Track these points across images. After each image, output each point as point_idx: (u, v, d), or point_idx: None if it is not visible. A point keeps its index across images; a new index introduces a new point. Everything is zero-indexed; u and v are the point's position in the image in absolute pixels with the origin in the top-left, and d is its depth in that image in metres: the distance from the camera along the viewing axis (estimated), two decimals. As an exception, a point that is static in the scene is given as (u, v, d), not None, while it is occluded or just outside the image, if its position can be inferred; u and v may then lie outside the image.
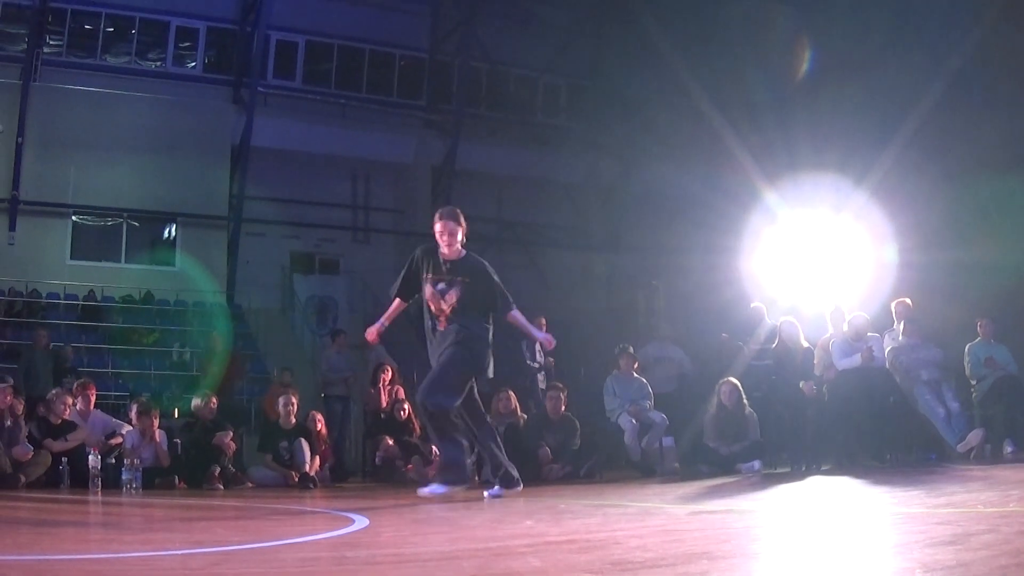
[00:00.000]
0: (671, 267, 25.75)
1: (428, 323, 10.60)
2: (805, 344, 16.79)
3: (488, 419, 11.10)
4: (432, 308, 10.46)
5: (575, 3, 32.09)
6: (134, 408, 16.04)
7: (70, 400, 15.33)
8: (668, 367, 19.27)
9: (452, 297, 10.35)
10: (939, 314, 18.60)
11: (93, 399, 16.06)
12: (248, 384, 22.03)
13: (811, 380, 16.40)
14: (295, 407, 17.10)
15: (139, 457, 14.64)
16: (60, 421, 15.18)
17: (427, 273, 10.54)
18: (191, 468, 15.63)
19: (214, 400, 16.67)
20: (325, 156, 31.32)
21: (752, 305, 18.62)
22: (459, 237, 10.49)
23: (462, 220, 10.55)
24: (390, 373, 19.00)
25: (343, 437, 20.04)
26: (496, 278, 10.62)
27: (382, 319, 11.08)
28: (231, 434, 16.08)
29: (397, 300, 10.98)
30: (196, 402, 16.83)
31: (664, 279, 27.91)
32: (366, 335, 11.15)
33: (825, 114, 23.65)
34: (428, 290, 10.45)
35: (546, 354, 19.22)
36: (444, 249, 10.47)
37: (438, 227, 10.46)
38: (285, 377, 20.17)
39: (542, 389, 19.11)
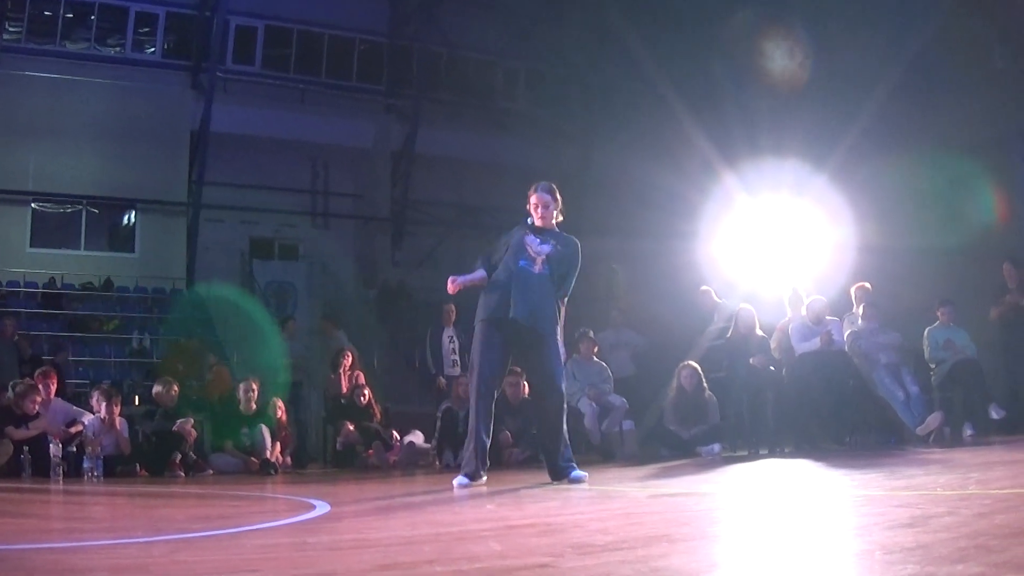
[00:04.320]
0: (631, 252, 25.78)
1: (521, 263, 10.14)
2: (760, 333, 16.86)
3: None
4: (529, 251, 10.19)
5: (535, -13, 32.08)
6: (95, 395, 15.98)
7: (39, 398, 15.25)
8: (625, 352, 19.37)
9: (545, 249, 10.18)
10: (898, 298, 18.71)
11: (54, 387, 15.99)
12: (208, 371, 21.99)
13: (762, 356, 16.50)
14: (256, 393, 17.09)
15: (100, 445, 14.59)
16: (22, 411, 15.13)
17: (523, 234, 10.37)
18: (152, 455, 15.59)
19: (175, 387, 16.63)
20: (284, 141, 31.17)
21: (701, 288, 18.70)
22: (553, 211, 10.42)
23: (558, 195, 10.52)
24: (350, 359, 18.98)
25: (298, 423, 20.00)
26: (578, 265, 10.42)
27: (465, 280, 10.46)
28: (191, 421, 16.04)
29: (483, 273, 10.46)
30: (157, 389, 16.79)
31: (624, 264, 27.94)
32: (449, 284, 10.48)
33: (785, 99, 23.74)
34: (525, 240, 10.27)
35: None
36: (538, 221, 10.37)
37: (533, 199, 10.40)
38: (211, 359, 20.27)
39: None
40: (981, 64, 22.08)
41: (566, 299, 10.42)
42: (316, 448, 20.15)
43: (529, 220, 10.46)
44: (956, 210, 20.36)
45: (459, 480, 9.74)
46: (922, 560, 3.50)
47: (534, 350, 10.09)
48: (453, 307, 19.35)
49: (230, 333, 26.19)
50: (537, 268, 10.10)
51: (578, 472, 9.79)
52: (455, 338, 19.44)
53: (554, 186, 10.53)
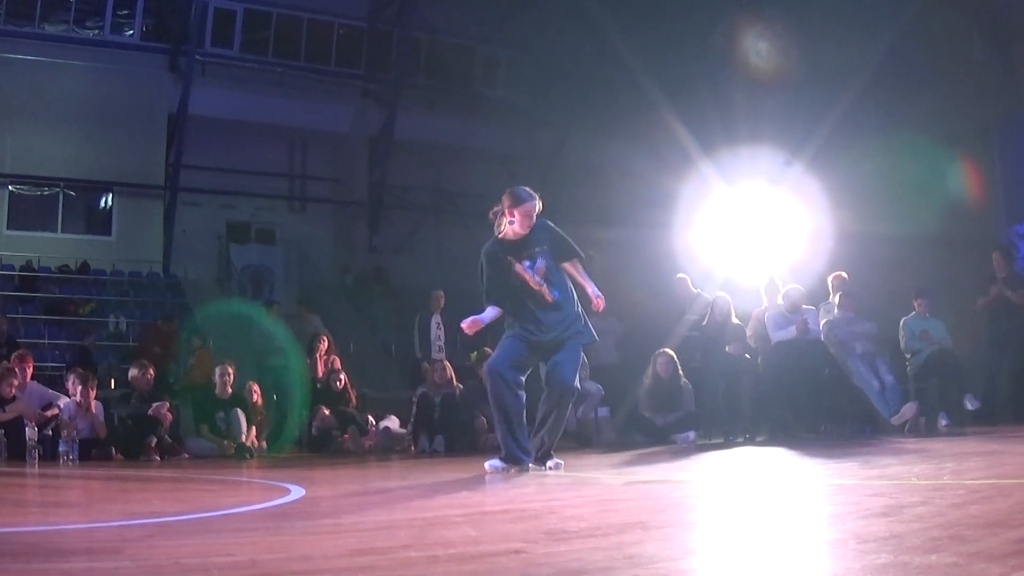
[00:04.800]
0: (607, 239, 25.79)
1: (531, 304, 9.95)
2: (736, 321, 16.89)
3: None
4: (532, 287, 9.91)
5: (514, -26, 32.05)
6: (71, 378, 15.95)
7: (16, 382, 15.21)
8: (608, 338, 19.39)
9: (542, 267, 9.93)
10: (875, 286, 18.77)
11: (30, 371, 15.95)
12: (185, 355, 21.94)
13: (737, 344, 16.54)
14: (231, 377, 17.07)
15: (76, 428, 14.56)
16: (-1, 396, 15.10)
17: (508, 259, 10.01)
18: (128, 439, 15.56)
19: (151, 371, 16.59)
20: (262, 125, 31.15)
21: (677, 276, 18.71)
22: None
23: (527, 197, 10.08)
24: (326, 343, 18.95)
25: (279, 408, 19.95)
26: (560, 233, 10.22)
27: (483, 319, 10.17)
28: (167, 405, 16.01)
29: (496, 308, 10.18)
30: (133, 372, 16.75)
31: (600, 250, 27.99)
32: (465, 326, 10.14)
33: (762, 87, 23.76)
34: (519, 273, 9.94)
35: None
36: (519, 229, 9.95)
37: (519, 212, 9.89)
38: (194, 343, 20.25)
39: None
40: (960, 55, 22.14)
41: (580, 256, 10.36)
42: (292, 433, 20.18)
43: (499, 234, 10.14)
44: (933, 199, 20.41)
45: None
46: (896, 550, 3.52)
47: (557, 351, 9.96)
48: (441, 293, 19.42)
49: (209, 318, 26.24)
50: (549, 299, 9.92)
51: (555, 459, 9.79)
52: (442, 324, 19.46)
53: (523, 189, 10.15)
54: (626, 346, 18.88)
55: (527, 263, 9.95)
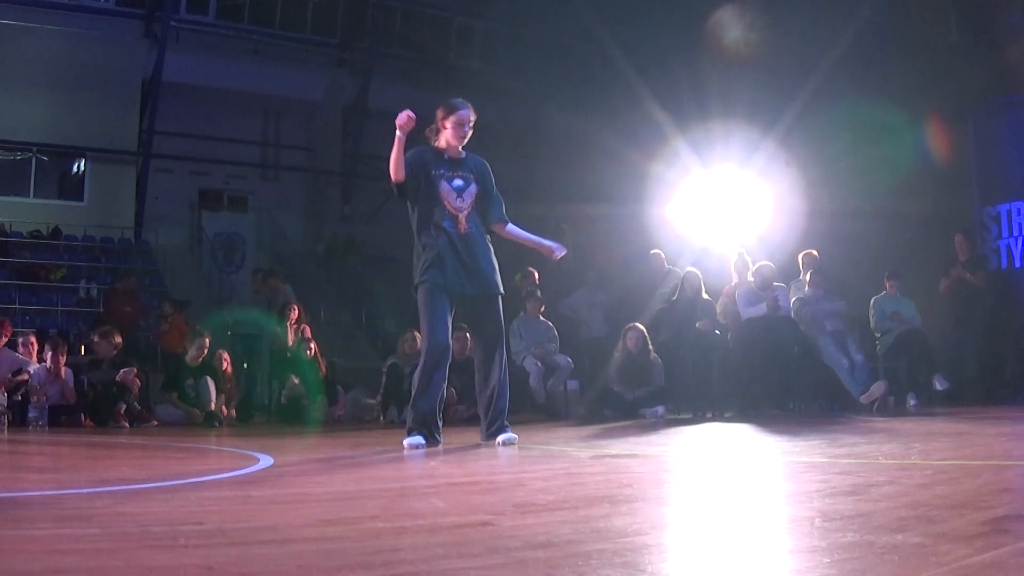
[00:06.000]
0: (580, 214, 25.78)
1: (442, 223, 9.39)
2: (706, 296, 16.93)
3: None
4: (448, 207, 9.42)
5: (491, -55, 32.01)
6: (32, 345, 15.95)
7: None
8: (600, 312, 19.47)
9: (470, 196, 9.53)
10: (846, 264, 18.84)
11: (7, 337, 15.95)
12: (154, 321, 21.89)
13: (707, 320, 16.58)
14: (207, 350, 17.14)
15: (45, 395, 14.55)
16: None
17: (436, 170, 9.52)
18: (97, 406, 15.55)
19: (117, 337, 16.56)
20: (236, 92, 31.06)
21: (652, 252, 18.76)
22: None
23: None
24: (296, 312, 18.92)
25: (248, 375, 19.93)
26: (493, 181, 9.84)
27: (401, 145, 9.41)
28: (134, 371, 15.99)
29: (404, 173, 9.47)
30: (96, 340, 16.74)
31: (573, 225, 28.00)
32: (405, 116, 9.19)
33: (735, 63, 23.75)
34: (444, 187, 9.45)
35: None
36: (453, 143, 9.52)
37: (453, 118, 9.45)
38: (166, 308, 20.26)
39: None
40: (934, 35, 22.13)
41: (507, 220, 9.87)
42: (260, 401, 20.15)
43: (434, 143, 9.69)
44: (905, 177, 20.43)
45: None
46: (862, 528, 3.53)
47: (483, 313, 9.61)
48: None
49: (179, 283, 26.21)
50: (463, 227, 9.42)
51: (510, 433, 9.46)
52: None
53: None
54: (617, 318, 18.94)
55: (459, 183, 9.54)
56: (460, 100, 9.60)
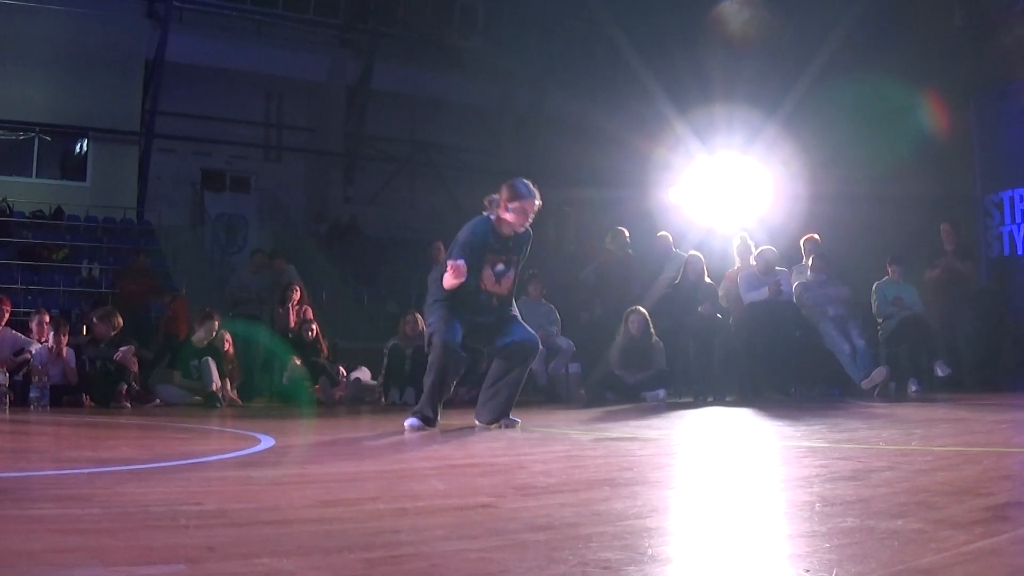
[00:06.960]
0: (582, 197, 25.77)
1: (478, 296, 9.42)
2: (708, 280, 16.93)
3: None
4: (485, 288, 9.43)
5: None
6: (45, 324, 15.94)
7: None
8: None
9: (507, 281, 9.53)
10: (848, 249, 18.81)
11: (7, 317, 15.94)
12: (157, 302, 21.88)
13: (709, 303, 16.57)
14: (215, 333, 17.15)
15: (47, 375, 14.54)
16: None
17: (488, 252, 9.42)
18: (99, 386, 15.54)
19: (117, 319, 16.54)
20: (239, 73, 30.96)
21: (659, 234, 18.73)
22: None
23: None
24: (299, 293, 18.91)
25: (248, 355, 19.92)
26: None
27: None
28: (132, 349, 15.95)
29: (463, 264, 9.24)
30: (96, 322, 16.72)
31: (575, 207, 27.96)
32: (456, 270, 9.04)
33: (738, 46, 23.72)
34: (487, 272, 9.41)
35: None
36: (516, 227, 9.40)
37: (535, 204, 9.33)
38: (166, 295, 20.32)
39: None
40: (938, 20, 22.07)
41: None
42: (263, 382, 20.14)
43: (493, 217, 9.46)
44: (909, 161, 20.38)
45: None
46: (862, 514, 3.54)
47: (501, 329, 9.60)
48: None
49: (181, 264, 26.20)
50: (495, 303, 9.52)
51: (513, 416, 9.61)
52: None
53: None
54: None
55: (500, 267, 9.52)
56: (527, 186, 9.39)
